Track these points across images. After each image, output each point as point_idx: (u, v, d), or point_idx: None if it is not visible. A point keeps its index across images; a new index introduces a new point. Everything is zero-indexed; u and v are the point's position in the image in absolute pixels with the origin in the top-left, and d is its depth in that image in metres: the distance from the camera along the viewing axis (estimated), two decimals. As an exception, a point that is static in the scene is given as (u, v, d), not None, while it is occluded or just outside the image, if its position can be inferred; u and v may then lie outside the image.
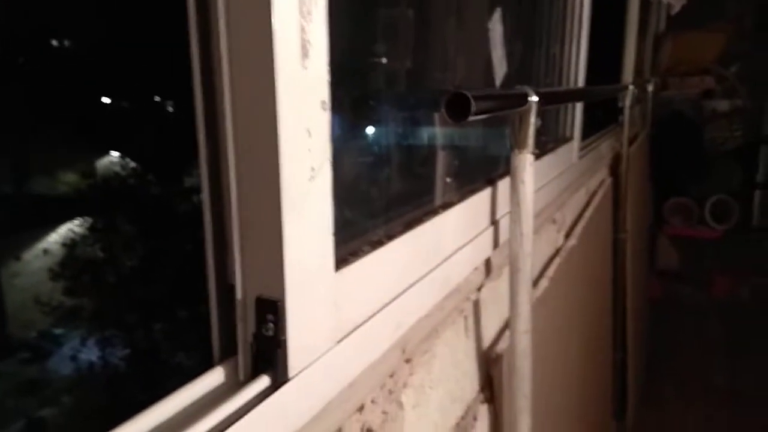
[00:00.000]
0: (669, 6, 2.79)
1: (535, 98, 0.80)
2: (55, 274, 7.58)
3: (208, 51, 0.45)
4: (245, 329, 0.46)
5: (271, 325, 0.45)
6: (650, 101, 3.31)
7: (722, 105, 3.89)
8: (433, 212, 0.75)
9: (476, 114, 0.63)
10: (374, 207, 0.73)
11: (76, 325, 7.71)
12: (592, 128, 1.98)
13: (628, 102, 1.97)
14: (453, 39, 1.01)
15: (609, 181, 2.03)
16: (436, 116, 0.92)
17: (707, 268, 3.77)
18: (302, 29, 0.44)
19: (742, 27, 3.88)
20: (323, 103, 0.48)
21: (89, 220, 7.57)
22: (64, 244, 7.92)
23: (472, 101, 0.62)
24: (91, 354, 7.71)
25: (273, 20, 0.41)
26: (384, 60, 0.83)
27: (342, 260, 0.55)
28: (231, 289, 0.47)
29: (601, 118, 2.24)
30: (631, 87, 1.96)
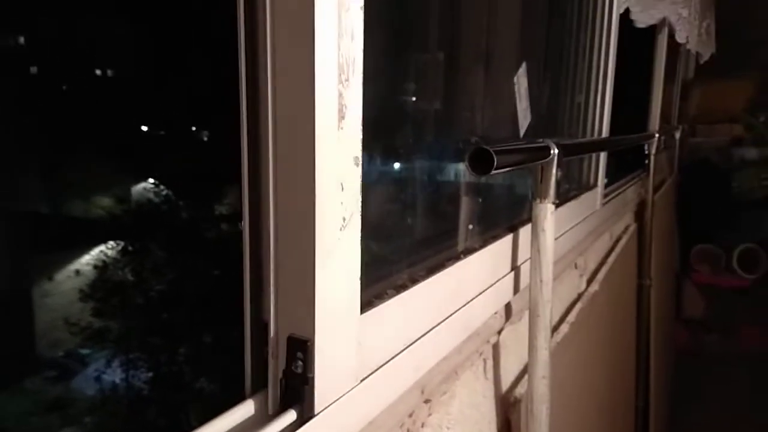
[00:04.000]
0: (698, 54, 2.82)
1: (556, 150, 0.83)
2: (85, 295, 7.75)
3: (256, 110, 0.49)
4: (276, 365, 0.50)
5: (300, 362, 0.49)
6: (677, 148, 3.32)
7: (751, 153, 3.87)
8: (456, 257, 0.79)
9: (498, 168, 0.67)
10: (399, 251, 0.76)
11: (102, 346, 7.84)
12: (620, 171, 1.99)
13: (653, 149, 2.00)
14: (480, 88, 1.06)
15: (634, 227, 2.04)
16: (461, 164, 0.95)
17: (734, 317, 3.69)
18: (340, 95, 0.49)
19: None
20: (356, 158, 0.52)
21: (121, 243, 7.78)
22: (95, 266, 8.12)
23: (495, 156, 0.65)
24: (114, 375, 7.82)
25: (315, 88, 0.46)
26: (412, 102, 0.86)
27: (367, 303, 0.58)
28: (264, 326, 0.51)
29: (630, 161, 2.26)
30: (656, 135, 1.98)
